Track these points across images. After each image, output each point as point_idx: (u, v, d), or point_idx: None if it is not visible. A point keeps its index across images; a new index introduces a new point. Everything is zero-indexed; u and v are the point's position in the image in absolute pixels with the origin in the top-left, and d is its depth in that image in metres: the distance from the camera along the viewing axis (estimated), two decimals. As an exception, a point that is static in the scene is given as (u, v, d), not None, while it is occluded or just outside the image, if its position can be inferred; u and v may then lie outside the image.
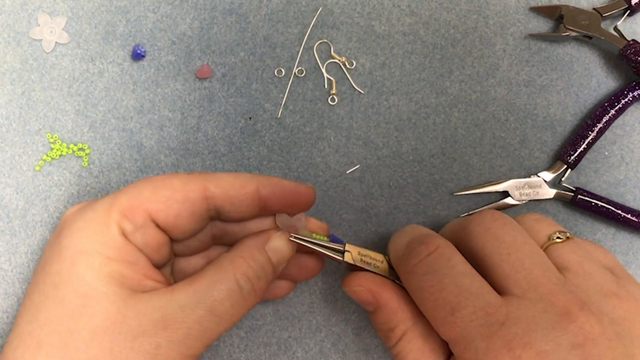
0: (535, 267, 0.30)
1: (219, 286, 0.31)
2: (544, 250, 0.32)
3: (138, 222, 0.32)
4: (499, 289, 0.30)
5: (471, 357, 0.28)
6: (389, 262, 0.34)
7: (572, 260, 0.31)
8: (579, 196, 0.41)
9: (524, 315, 0.28)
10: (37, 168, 0.41)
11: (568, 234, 0.33)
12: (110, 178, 0.41)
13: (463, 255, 0.31)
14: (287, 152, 0.42)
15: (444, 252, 0.31)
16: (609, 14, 0.43)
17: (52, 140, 0.41)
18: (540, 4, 0.44)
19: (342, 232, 0.41)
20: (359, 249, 0.34)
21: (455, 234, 0.34)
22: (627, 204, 0.42)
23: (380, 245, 0.41)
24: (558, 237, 0.33)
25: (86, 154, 0.41)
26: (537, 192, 0.42)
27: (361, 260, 0.34)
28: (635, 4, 0.43)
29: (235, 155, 0.42)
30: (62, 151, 0.41)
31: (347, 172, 0.42)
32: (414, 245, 0.32)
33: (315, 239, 0.35)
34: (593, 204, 0.41)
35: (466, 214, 0.42)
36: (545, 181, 0.42)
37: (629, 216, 0.41)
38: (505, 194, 0.42)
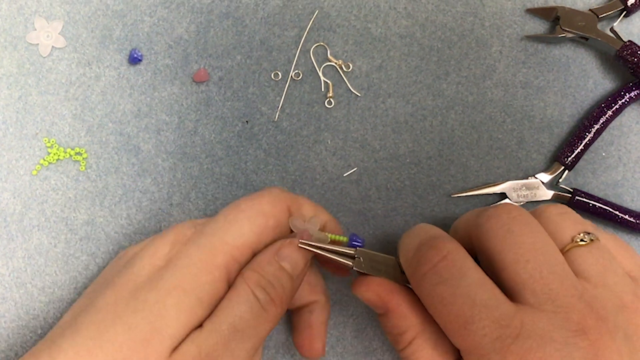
0: (553, 277, 0.28)
1: (236, 300, 0.31)
2: (565, 253, 0.30)
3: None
4: (513, 295, 0.29)
5: None
6: (399, 264, 0.33)
7: (593, 270, 0.30)
8: (577, 197, 0.41)
9: (538, 328, 0.27)
10: (34, 172, 0.41)
11: (592, 236, 0.31)
12: (107, 182, 0.41)
13: (477, 251, 0.30)
14: (284, 156, 0.42)
15: (455, 259, 0.30)
16: (605, 15, 0.43)
17: (49, 144, 0.41)
18: (536, 6, 0.44)
19: (340, 235, 0.41)
20: (370, 253, 0.34)
21: (468, 230, 0.33)
22: (625, 205, 0.42)
23: (378, 248, 0.41)
24: (582, 240, 0.31)
25: (83, 158, 0.41)
26: (535, 193, 0.42)
27: (371, 267, 0.33)
28: (632, 4, 0.43)
29: (232, 159, 0.42)
30: (59, 155, 0.41)
31: (345, 175, 0.42)
32: (423, 251, 0.31)
33: (326, 244, 0.34)
34: (591, 205, 0.41)
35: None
36: (542, 183, 0.42)
37: (626, 217, 0.41)
38: (503, 196, 0.42)
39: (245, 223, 0.32)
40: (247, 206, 0.33)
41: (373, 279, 0.33)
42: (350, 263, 0.33)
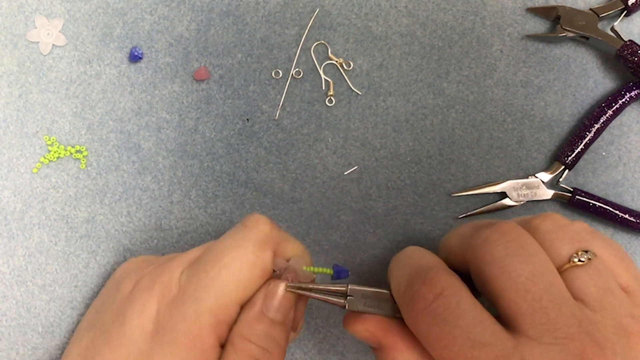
0: (553, 307, 0.27)
1: None
2: (562, 271, 0.29)
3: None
4: (510, 324, 0.28)
5: None
6: (392, 296, 0.32)
7: (591, 293, 0.29)
8: (577, 197, 0.41)
9: None
10: (35, 170, 0.41)
11: (590, 255, 0.30)
12: (108, 180, 0.41)
13: (472, 274, 0.30)
14: (285, 154, 0.42)
15: (451, 296, 0.28)
16: (605, 14, 0.43)
17: (49, 142, 0.41)
18: (536, 5, 0.44)
19: (340, 234, 0.41)
20: (362, 289, 0.32)
21: (462, 249, 0.31)
22: (625, 205, 0.42)
23: (378, 246, 0.41)
24: (580, 260, 0.30)
25: (84, 156, 0.41)
26: (535, 193, 0.42)
27: (364, 304, 0.32)
28: (632, 4, 0.43)
29: (232, 157, 0.42)
30: (59, 153, 0.41)
31: (345, 173, 0.42)
32: (416, 287, 0.29)
33: (312, 280, 0.33)
34: (591, 204, 0.41)
35: (463, 215, 0.42)
36: (543, 182, 0.42)
37: (626, 216, 0.41)
38: (503, 195, 0.42)
39: (230, 279, 0.31)
40: (230, 259, 0.31)
41: (366, 317, 0.32)
42: (342, 302, 0.32)
